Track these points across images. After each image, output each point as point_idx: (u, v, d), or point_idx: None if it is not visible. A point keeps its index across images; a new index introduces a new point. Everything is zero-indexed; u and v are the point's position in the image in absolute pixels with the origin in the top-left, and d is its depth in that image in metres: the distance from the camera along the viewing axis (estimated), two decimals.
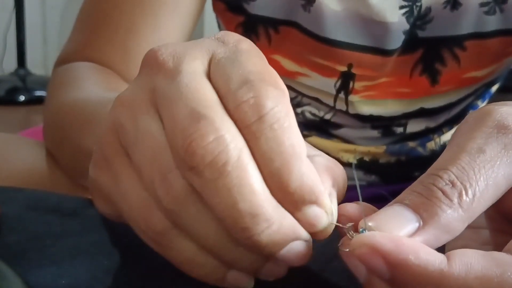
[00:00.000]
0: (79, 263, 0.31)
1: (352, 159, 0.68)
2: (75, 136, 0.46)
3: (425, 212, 0.23)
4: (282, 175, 0.24)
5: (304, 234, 0.25)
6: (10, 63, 2.40)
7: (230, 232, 0.25)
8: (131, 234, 0.34)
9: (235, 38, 0.28)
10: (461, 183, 0.24)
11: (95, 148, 0.29)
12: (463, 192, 0.23)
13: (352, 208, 0.26)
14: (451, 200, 0.23)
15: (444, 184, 0.24)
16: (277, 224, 0.24)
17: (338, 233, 0.26)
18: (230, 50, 0.27)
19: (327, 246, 0.28)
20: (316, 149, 0.28)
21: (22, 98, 2.30)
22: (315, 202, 0.25)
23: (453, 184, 0.24)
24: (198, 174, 0.24)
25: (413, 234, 0.23)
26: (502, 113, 0.25)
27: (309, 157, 0.26)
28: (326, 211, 0.25)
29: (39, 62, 2.50)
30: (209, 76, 0.26)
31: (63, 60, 0.60)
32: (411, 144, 0.69)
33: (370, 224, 0.24)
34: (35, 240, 0.33)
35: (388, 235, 0.23)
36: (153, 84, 0.26)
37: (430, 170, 0.25)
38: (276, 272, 0.27)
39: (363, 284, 0.24)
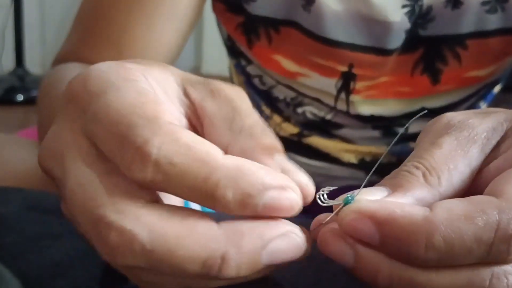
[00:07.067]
0: (78, 263, 0.30)
1: (353, 159, 0.68)
2: None
3: (392, 185, 0.26)
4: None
5: None
6: (8, 62, 2.40)
7: None
8: None
9: None
10: (424, 166, 0.26)
11: None
12: (427, 173, 0.26)
13: None
14: (416, 176, 0.26)
15: (409, 167, 0.27)
16: None
17: None
18: None
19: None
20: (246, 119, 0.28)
21: (20, 97, 2.29)
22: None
23: (416, 168, 0.26)
24: None
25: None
26: (447, 116, 0.30)
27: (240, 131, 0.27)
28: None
29: (37, 62, 2.50)
30: None
31: (60, 60, 0.60)
32: (413, 144, 0.69)
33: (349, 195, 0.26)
34: (33, 241, 0.32)
35: (372, 199, 0.25)
36: None
37: None
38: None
39: (352, 269, 0.25)
